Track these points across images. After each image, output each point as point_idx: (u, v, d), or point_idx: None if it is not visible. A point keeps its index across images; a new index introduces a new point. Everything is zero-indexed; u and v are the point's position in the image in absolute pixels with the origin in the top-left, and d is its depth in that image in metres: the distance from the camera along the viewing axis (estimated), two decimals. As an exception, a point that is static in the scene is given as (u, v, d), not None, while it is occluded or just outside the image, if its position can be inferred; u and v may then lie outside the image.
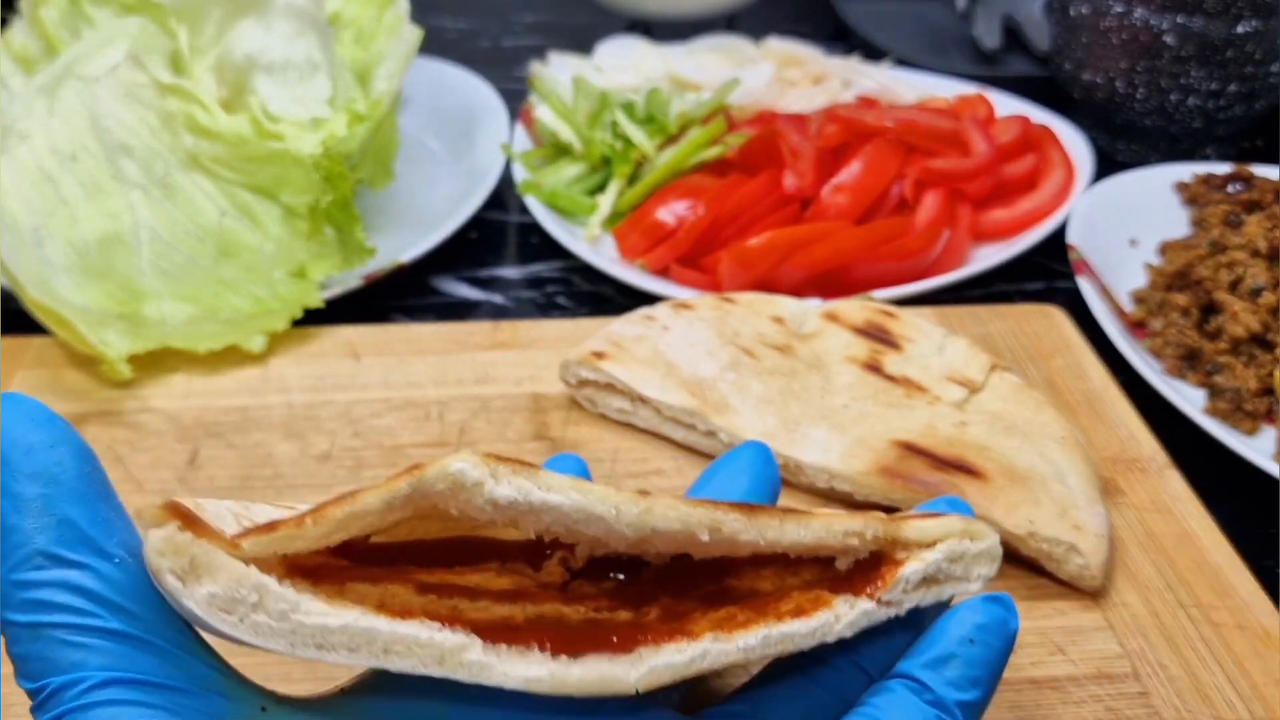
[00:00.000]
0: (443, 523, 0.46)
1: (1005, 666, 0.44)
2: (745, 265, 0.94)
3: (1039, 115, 1.17)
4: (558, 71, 1.21)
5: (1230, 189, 1.03)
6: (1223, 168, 1.06)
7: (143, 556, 0.37)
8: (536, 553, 0.46)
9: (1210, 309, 0.90)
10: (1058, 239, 1.00)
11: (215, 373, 0.82)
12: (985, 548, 0.45)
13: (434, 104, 1.21)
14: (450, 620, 0.39)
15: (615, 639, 0.40)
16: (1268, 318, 0.86)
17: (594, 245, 1.02)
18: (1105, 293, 0.93)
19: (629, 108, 1.11)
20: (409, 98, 1.18)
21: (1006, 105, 1.19)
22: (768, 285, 0.94)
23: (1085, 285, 0.92)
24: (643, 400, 0.77)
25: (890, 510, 0.50)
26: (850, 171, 1.02)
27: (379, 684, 0.42)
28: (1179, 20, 1.10)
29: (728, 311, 0.82)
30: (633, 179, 1.07)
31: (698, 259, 0.98)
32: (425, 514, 0.44)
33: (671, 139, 1.09)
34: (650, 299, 0.89)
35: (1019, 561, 0.68)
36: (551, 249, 1.03)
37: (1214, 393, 0.84)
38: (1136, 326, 0.93)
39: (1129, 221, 1.02)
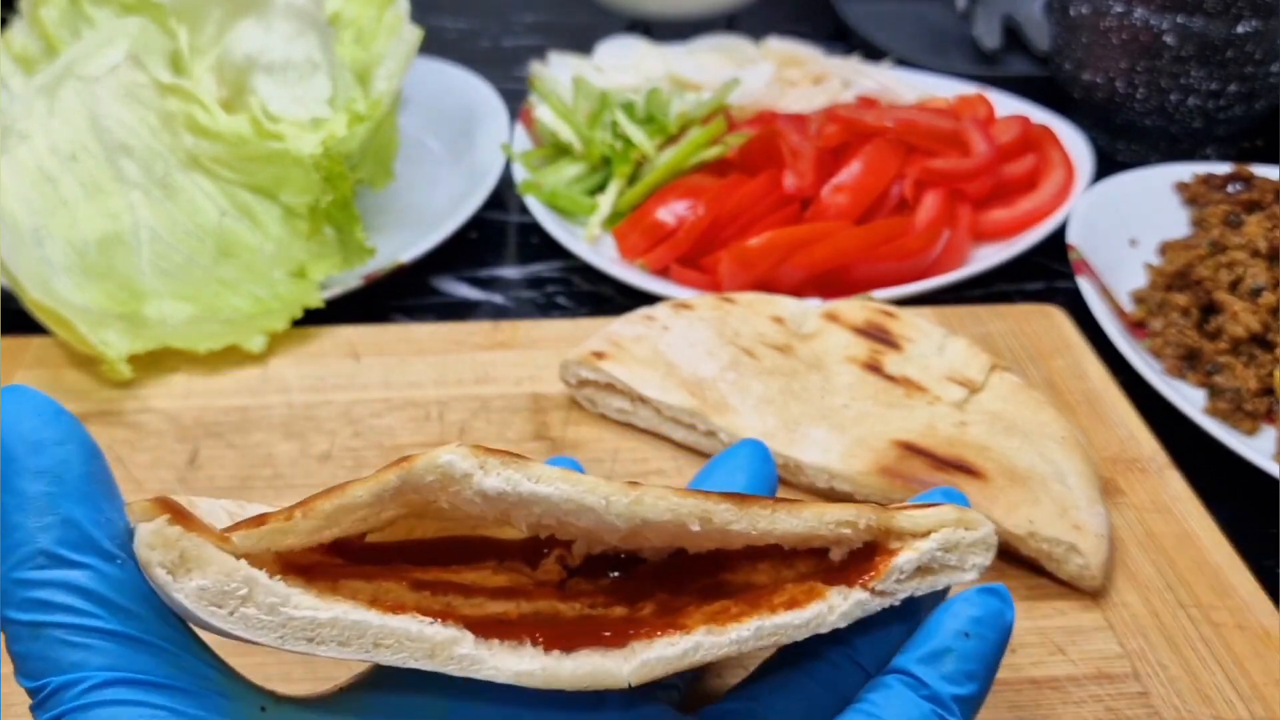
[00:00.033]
0: (440, 522, 0.46)
1: (1002, 659, 0.44)
2: (745, 265, 0.94)
3: (1039, 115, 1.17)
4: (558, 71, 1.21)
5: (1230, 189, 1.03)
6: (1223, 168, 1.06)
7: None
8: (534, 552, 0.45)
9: (1210, 309, 0.90)
10: (1058, 239, 1.00)
11: (215, 373, 0.82)
12: (980, 536, 0.45)
13: (434, 104, 1.21)
14: (443, 616, 0.39)
15: (608, 633, 0.40)
16: (1268, 318, 0.86)
17: (594, 245, 1.02)
18: (1105, 293, 0.93)
19: (629, 108, 1.11)
20: (409, 98, 1.18)
21: (1006, 105, 1.19)
22: (768, 285, 0.94)
23: (1085, 285, 0.92)
24: (643, 400, 0.77)
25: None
26: (850, 171, 1.02)
27: (378, 682, 0.42)
28: (1179, 20, 1.10)
29: (728, 311, 0.82)
30: (633, 179, 1.07)
31: (698, 259, 0.98)
32: (421, 512, 0.44)
33: (671, 139, 1.09)
34: (650, 299, 0.89)
35: (1019, 561, 0.68)
36: (551, 249, 1.03)
37: (1214, 393, 0.84)
38: (1136, 326, 0.93)
39: (1129, 221, 1.02)
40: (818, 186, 1.02)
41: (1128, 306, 0.95)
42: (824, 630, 0.42)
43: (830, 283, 0.96)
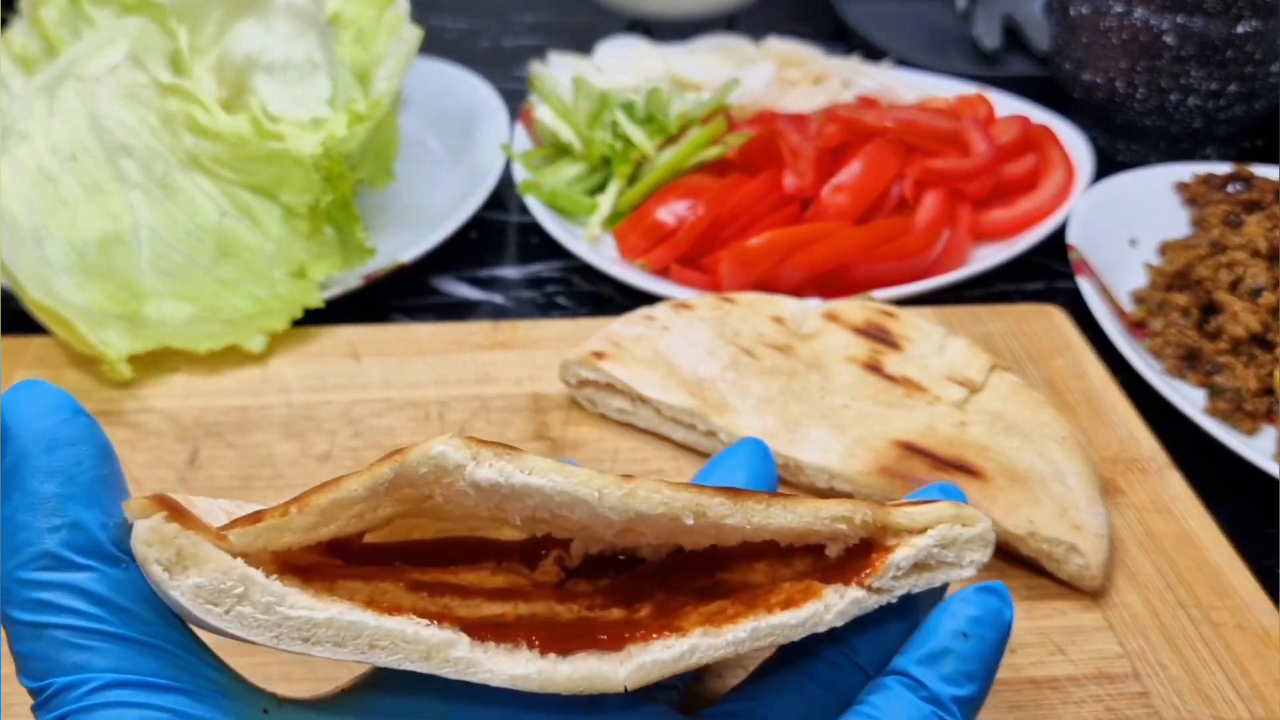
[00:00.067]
0: (438, 522, 0.46)
1: (1001, 657, 0.44)
2: (745, 265, 0.94)
3: (1039, 115, 1.17)
4: (558, 71, 1.21)
5: (1230, 189, 1.03)
6: (1223, 168, 1.06)
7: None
8: (532, 553, 0.45)
9: (1210, 309, 0.90)
10: (1058, 239, 1.00)
11: (215, 373, 0.82)
12: (977, 533, 0.45)
13: (434, 104, 1.21)
14: (440, 618, 0.39)
15: (604, 636, 0.40)
16: (1268, 318, 0.86)
17: (594, 245, 1.02)
18: (1105, 293, 0.93)
19: (629, 108, 1.11)
20: (409, 98, 1.18)
21: (1006, 105, 1.19)
22: (768, 285, 0.94)
23: (1085, 285, 0.92)
24: (643, 400, 0.77)
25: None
26: (850, 171, 1.02)
27: (378, 683, 0.42)
28: (1179, 20, 1.10)
29: (728, 311, 0.82)
30: (633, 179, 1.07)
31: (698, 259, 0.98)
32: (418, 511, 0.44)
33: (671, 139, 1.09)
34: (650, 299, 0.89)
35: (1019, 561, 0.68)
36: (551, 249, 1.03)
37: (1214, 393, 0.84)
38: (1136, 326, 0.93)
39: (1129, 221, 1.02)
40: (818, 186, 1.02)
41: (1128, 306, 0.95)
42: (821, 629, 0.42)
43: (830, 283, 0.96)
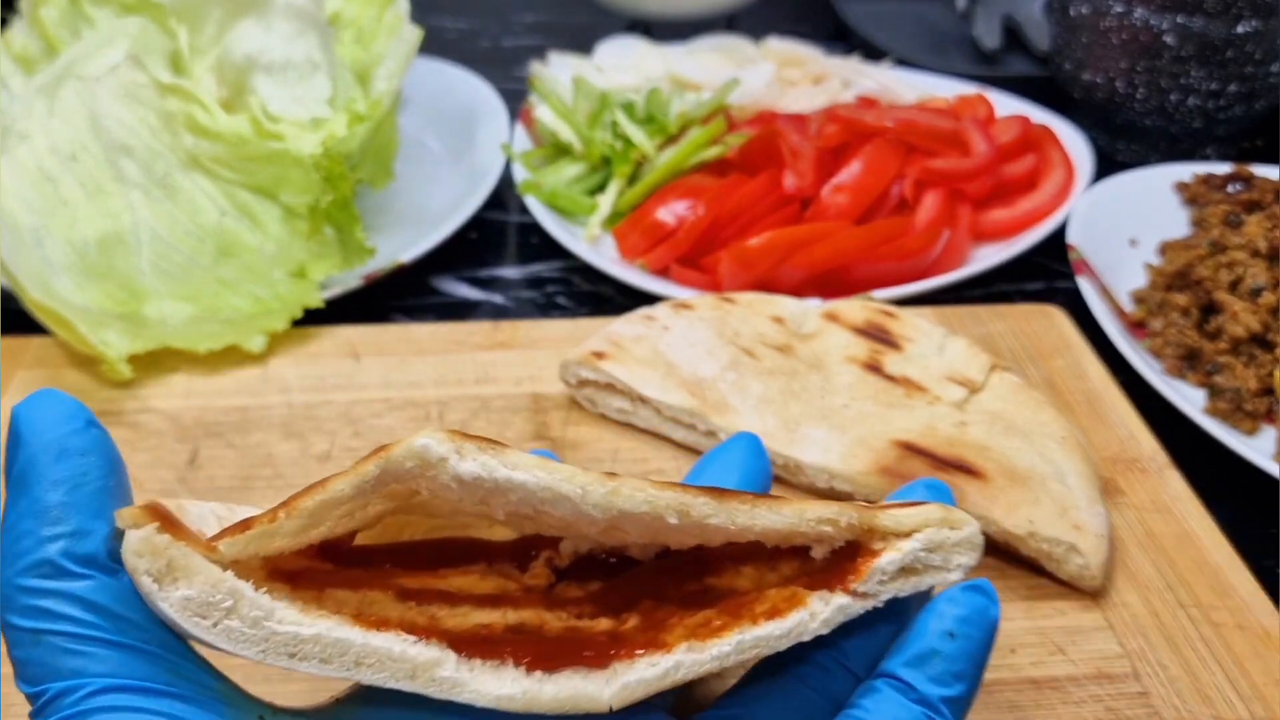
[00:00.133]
0: (428, 520, 0.46)
1: (990, 655, 0.43)
2: (745, 265, 0.94)
3: (1039, 115, 1.17)
4: (558, 71, 1.21)
5: (1230, 189, 1.03)
6: (1223, 168, 1.06)
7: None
8: (523, 553, 0.45)
9: (1210, 309, 0.90)
10: (1058, 239, 1.00)
11: (215, 373, 0.82)
12: (965, 536, 0.44)
13: (434, 104, 1.21)
14: (427, 631, 0.39)
15: (590, 653, 0.40)
16: (1268, 318, 0.86)
17: (594, 245, 1.02)
18: (1105, 293, 0.93)
19: (629, 108, 1.11)
20: (409, 98, 1.18)
21: (1006, 105, 1.19)
22: (768, 285, 0.93)
23: (1085, 285, 0.92)
24: (643, 400, 0.77)
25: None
26: (850, 171, 1.02)
27: (371, 696, 0.42)
28: (1179, 20, 1.10)
29: (728, 311, 0.82)
30: (633, 179, 1.07)
31: (698, 259, 0.98)
32: (408, 508, 0.44)
33: (671, 139, 1.09)
34: (650, 299, 0.89)
35: (1019, 561, 0.68)
36: (551, 249, 1.03)
37: (1214, 393, 0.84)
38: (1136, 326, 0.93)
39: (1129, 221, 1.02)
40: (818, 186, 1.02)
41: (1128, 306, 0.95)
42: (806, 639, 0.42)
43: (830, 283, 0.96)
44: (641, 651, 0.40)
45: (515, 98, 1.21)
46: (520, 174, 1.08)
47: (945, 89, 1.23)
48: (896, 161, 1.03)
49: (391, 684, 0.38)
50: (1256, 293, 0.87)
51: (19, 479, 0.38)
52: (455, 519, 0.46)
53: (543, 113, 1.14)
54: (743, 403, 0.75)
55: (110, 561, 0.38)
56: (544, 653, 0.40)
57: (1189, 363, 0.88)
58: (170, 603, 0.37)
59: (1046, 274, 1.04)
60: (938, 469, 0.69)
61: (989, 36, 1.43)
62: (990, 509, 0.67)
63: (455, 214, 1.02)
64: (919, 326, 0.81)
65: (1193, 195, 1.04)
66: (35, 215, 0.84)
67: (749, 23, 1.48)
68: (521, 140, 1.14)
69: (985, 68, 1.39)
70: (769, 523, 0.42)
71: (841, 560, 0.43)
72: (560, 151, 1.12)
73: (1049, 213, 1.05)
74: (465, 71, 1.25)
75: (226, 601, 0.37)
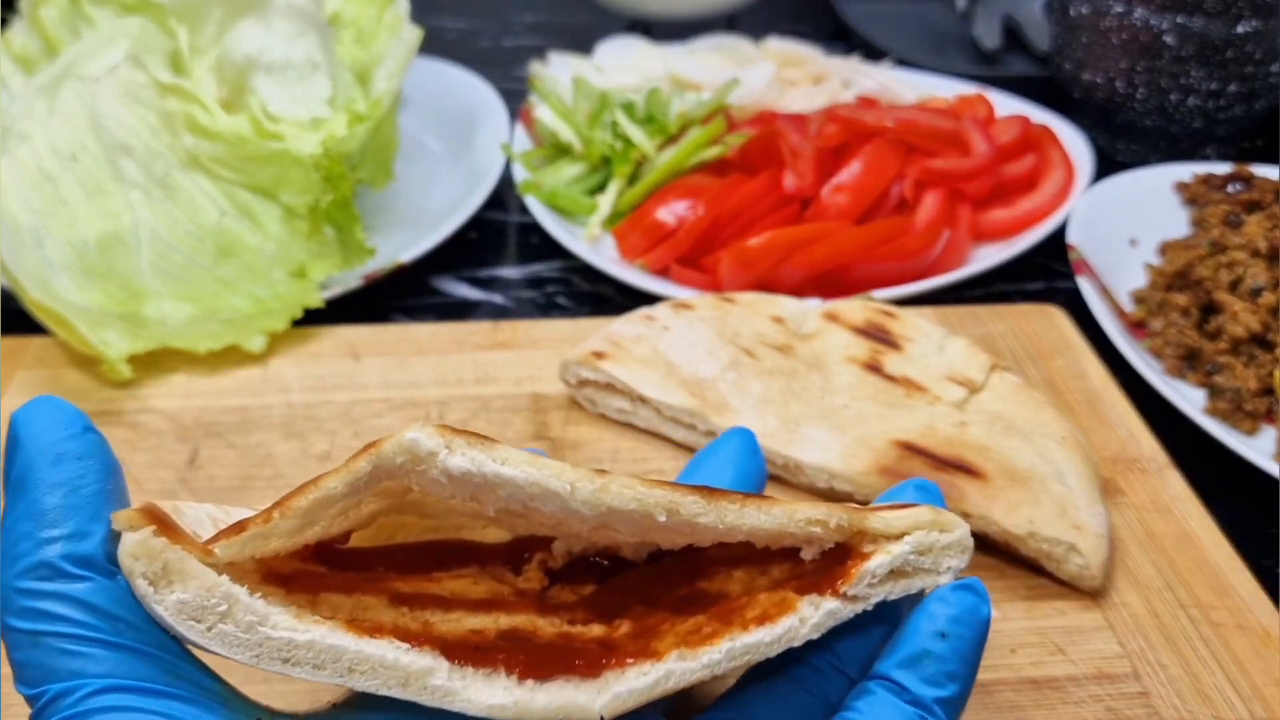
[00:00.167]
0: (423, 519, 0.46)
1: (982, 654, 0.43)
2: (745, 265, 0.94)
3: (1039, 115, 1.17)
4: (558, 71, 1.21)
5: (1230, 189, 1.03)
6: (1223, 168, 1.06)
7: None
8: (517, 555, 0.45)
9: (1210, 309, 0.90)
10: (1058, 239, 1.00)
11: (215, 373, 0.82)
12: (955, 539, 0.44)
13: (434, 104, 1.21)
14: (420, 637, 0.39)
15: (581, 662, 0.40)
16: (1268, 318, 0.86)
17: (594, 245, 1.02)
18: (1105, 293, 0.93)
19: (629, 108, 1.11)
20: (409, 98, 1.18)
21: (1006, 105, 1.19)
22: (768, 285, 0.94)
23: (1085, 285, 0.92)
24: (643, 400, 0.77)
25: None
26: (850, 171, 1.02)
27: (369, 700, 0.42)
28: (1179, 20, 1.10)
29: (728, 311, 0.82)
30: (633, 179, 1.07)
31: (698, 259, 0.98)
32: (401, 506, 0.44)
33: (671, 139, 1.09)
34: (650, 299, 0.89)
35: (1019, 561, 0.68)
36: (551, 249, 1.03)
37: (1214, 393, 0.84)
38: (1136, 326, 0.93)
39: (1129, 221, 1.02)
40: (818, 186, 1.02)
41: (1128, 306, 0.95)
42: (797, 644, 0.42)
43: (830, 283, 0.96)
44: (632, 660, 0.40)
45: (515, 98, 1.21)
46: (520, 174, 1.08)
47: (945, 89, 1.23)
48: (896, 161, 1.03)
49: (384, 691, 0.38)
50: (1256, 293, 0.87)
51: (17, 483, 0.39)
52: (449, 518, 0.46)
53: (543, 113, 1.14)
54: (743, 403, 0.75)
55: (108, 564, 0.38)
56: (536, 661, 0.40)
57: (1189, 363, 0.88)
58: (165, 606, 0.37)
59: (1046, 274, 1.04)
60: (938, 469, 0.69)
61: (989, 36, 1.43)
62: (990, 509, 0.67)
63: (455, 214, 1.02)
64: (919, 326, 0.81)
65: (1193, 195, 1.04)
66: (35, 215, 0.84)
67: (749, 23, 1.48)
68: (521, 140, 1.14)
69: (985, 68, 1.39)
70: (757, 523, 0.42)
71: (832, 563, 0.43)
72: (560, 151, 1.12)
73: (1049, 213, 1.05)
74: (465, 71, 1.25)
75: (221, 606, 0.37)
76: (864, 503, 0.69)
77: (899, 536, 0.43)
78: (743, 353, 0.78)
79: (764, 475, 0.55)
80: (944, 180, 1.03)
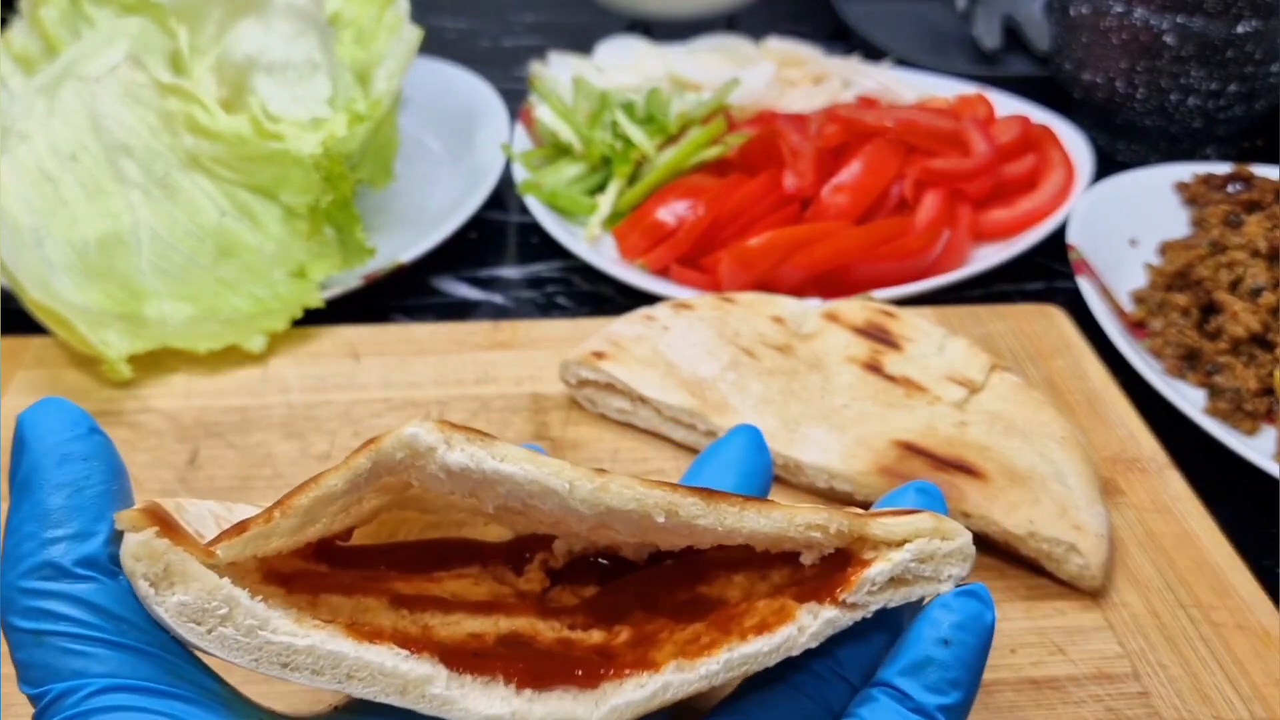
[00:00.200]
0: (424, 515, 0.45)
1: (986, 660, 0.43)
2: (745, 265, 0.94)
3: (1039, 115, 1.17)
4: (558, 71, 1.21)
5: (1230, 189, 1.03)
6: (1223, 168, 1.06)
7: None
8: (518, 555, 0.45)
9: (1210, 309, 0.90)
10: (1058, 239, 1.00)
11: (215, 373, 0.82)
12: (957, 546, 0.43)
13: (434, 104, 1.21)
14: (419, 643, 0.39)
15: (580, 672, 0.40)
16: (1268, 318, 0.86)
17: (594, 245, 1.02)
18: (1105, 293, 0.93)
19: (629, 108, 1.11)
20: (409, 98, 1.18)
21: (1006, 105, 1.19)
22: (768, 285, 0.94)
23: (1085, 285, 0.92)
24: (643, 400, 0.77)
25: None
26: (850, 171, 1.02)
27: (370, 704, 0.42)
28: (1179, 20, 1.10)
29: (728, 311, 0.82)
30: (633, 179, 1.07)
31: (698, 259, 0.98)
32: (403, 501, 0.44)
33: (671, 139, 1.09)
34: (650, 299, 0.89)
35: (1019, 561, 0.68)
36: (551, 249, 1.03)
37: (1214, 393, 0.84)
38: (1136, 326, 0.93)
39: (1129, 221, 1.02)
40: (818, 186, 1.02)
41: (1128, 306, 0.95)
42: (795, 653, 0.41)
43: (830, 283, 0.96)
44: (630, 672, 0.40)
45: (515, 98, 1.21)
46: (520, 174, 1.08)
47: (945, 89, 1.23)
48: (896, 161, 1.04)
49: (382, 698, 0.38)
50: (1256, 293, 0.87)
51: (23, 484, 0.39)
52: (449, 514, 0.46)
53: (543, 113, 1.14)
54: (743, 403, 0.75)
55: (111, 565, 0.38)
56: (535, 669, 0.40)
57: (1189, 363, 0.88)
58: (166, 607, 0.37)
59: (1046, 274, 1.04)
60: (938, 469, 0.69)
61: (989, 36, 1.43)
62: (990, 509, 0.67)
63: (455, 214, 1.02)
64: (919, 326, 0.81)
65: (1193, 195, 1.04)
66: (35, 215, 0.84)
67: (749, 23, 1.48)
68: (521, 140, 1.14)
69: (985, 68, 1.39)
70: (757, 526, 0.41)
71: (832, 569, 0.43)
72: (560, 151, 1.12)
73: (1049, 213, 1.05)
74: (465, 71, 1.25)
75: (221, 609, 0.37)
76: (864, 503, 0.70)
77: (900, 543, 0.43)
78: (743, 353, 0.78)
79: (769, 474, 0.55)
80: (944, 180, 1.03)
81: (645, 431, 0.78)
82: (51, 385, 0.81)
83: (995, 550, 0.68)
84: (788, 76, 1.24)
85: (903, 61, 1.33)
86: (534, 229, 1.06)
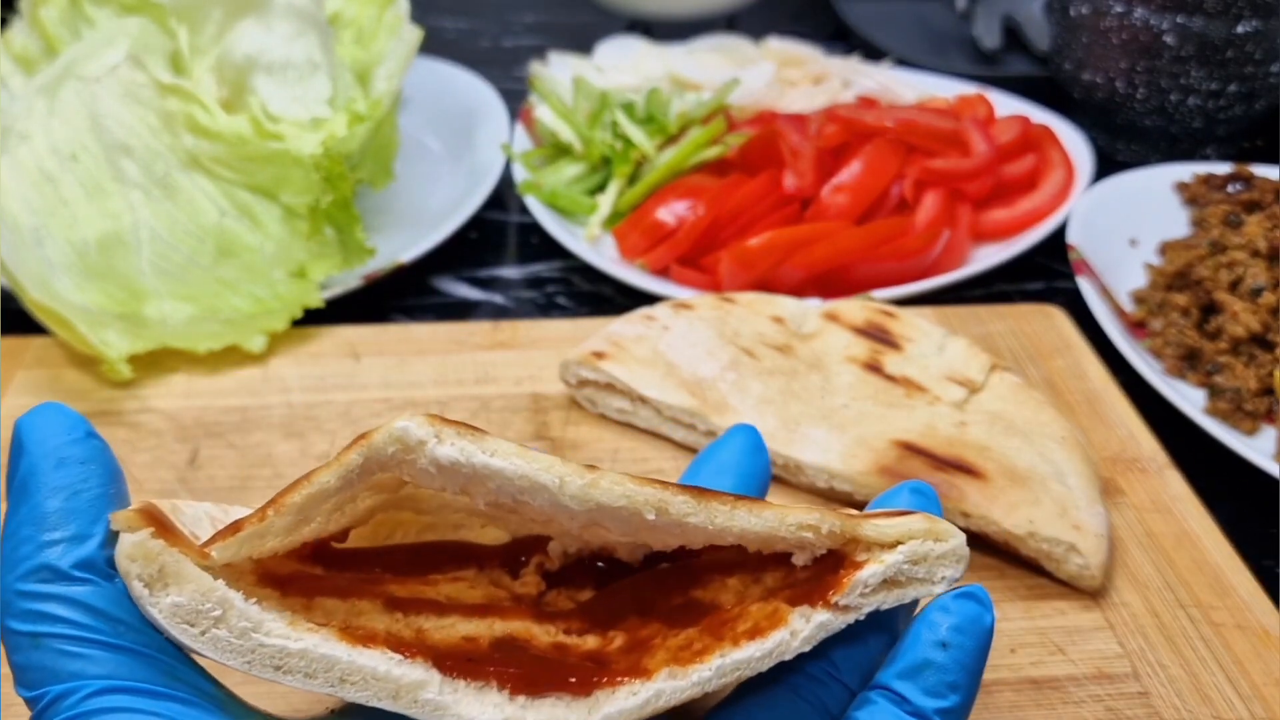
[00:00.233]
0: (420, 516, 0.45)
1: (985, 663, 0.43)
2: (745, 265, 0.94)
3: (1039, 115, 1.17)
4: (558, 71, 1.21)
5: (1230, 189, 1.03)
6: (1223, 168, 1.06)
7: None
8: (514, 558, 0.45)
9: (1210, 309, 0.90)
10: (1058, 239, 1.00)
11: (215, 373, 0.82)
12: (950, 548, 0.43)
13: (434, 104, 1.21)
14: (413, 647, 0.39)
15: (574, 679, 0.40)
16: (1268, 318, 0.86)
17: (594, 245, 1.02)
18: (1105, 293, 0.93)
19: (629, 108, 1.11)
20: (409, 98, 1.18)
21: (1006, 105, 1.19)
22: (768, 285, 0.94)
23: (1085, 285, 0.92)
24: (643, 400, 0.77)
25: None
26: (850, 171, 1.02)
27: (366, 709, 0.42)
28: (1179, 20, 1.10)
29: (728, 311, 0.82)
30: (633, 179, 1.07)
31: (698, 259, 0.98)
32: (398, 501, 0.44)
33: (671, 139, 1.09)
34: (650, 299, 0.89)
35: (1019, 561, 0.68)
36: (551, 249, 1.03)
37: (1214, 393, 0.84)
38: (1136, 326, 0.93)
39: (1129, 221, 1.02)
40: (818, 186, 1.02)
41: (1128, 306, 0.95)
42: (788, 657, 0.41)
43: (830, 283, 0.96)
44: (623, 679, 0.40)
45: (515, 98, 1.21)
46: (520, 174, 1.08)
47: (945, 89, 1.23)
48: (896, 161, 1.03)
49: (374, 703, 0.38)
50: (1256, 293, 0.87)
51: (20, 487, 0.39)
52: (444, 515, 0.45)
53: (543, 113, 1.14)
54: (743, 403, 0.75)
55: (108, 567, 0.38)
56: (528, 676, 0.40)
57: (1189, 363, 0.88)
58: (160, 608, 0.37)
59: (1046, 274, 1.04)
60: (938, 469, 0.69)
61: (989, 36, 1.43)
62: (990, 509, 0.67)
63: (455, 214, 1.02)
64: (919, 326, 0.81)
65: (1193, 195, 1.04)
66: (35, 215, 0.84)
67: (749, 23, 1.48)
68: (521, 140, 1.14)
69: (985, 68, 1.39)
70: (747, 525, 0.41)
71: (824, 571, 0.42)
72: (560, 151, 1.12)
73: (1049, 213, 1.05)
74: (465, 71, 1.25)
75: (215, 610, 0.37)
76: (864, 503, 0.70)
77: (893, 545, 0.42)
78: (743, 353, 0.78)
79: (767, 475, 0.55)
80: (944, 180, 1.03)
81: (645, 431, 0.78)
82: (51, 385, 0.81)
83: (995, 550, 0.68)
84: (788, 76, 1.24)
85: (903, 61, 1.34)
86: (534, 229, 1.06)
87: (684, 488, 0.41)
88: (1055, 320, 0.89)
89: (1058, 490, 0.68)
